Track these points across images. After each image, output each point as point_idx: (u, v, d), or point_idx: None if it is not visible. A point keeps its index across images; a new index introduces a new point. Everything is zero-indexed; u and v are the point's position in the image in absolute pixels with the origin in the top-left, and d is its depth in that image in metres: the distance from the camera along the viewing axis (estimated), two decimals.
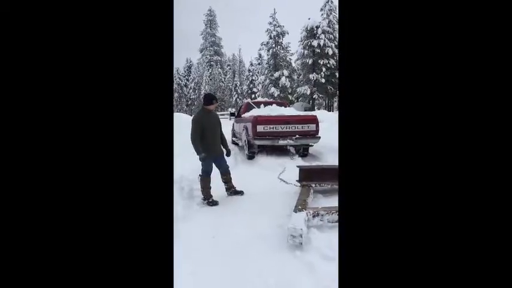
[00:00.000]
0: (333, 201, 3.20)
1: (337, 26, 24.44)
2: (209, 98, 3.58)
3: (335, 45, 23.06)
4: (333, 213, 2.59)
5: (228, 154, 3.76)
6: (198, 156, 3.44)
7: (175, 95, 36.86)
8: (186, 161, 4.12)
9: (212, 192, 3.53)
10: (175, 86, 37.23)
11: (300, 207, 2.67)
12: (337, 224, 2.56)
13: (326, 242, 2.25)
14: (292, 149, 6.23)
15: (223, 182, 3.76)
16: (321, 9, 24.99)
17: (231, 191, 3.77)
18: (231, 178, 3.77)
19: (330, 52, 22.59)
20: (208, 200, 3.48)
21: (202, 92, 35.73)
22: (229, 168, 3.80)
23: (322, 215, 2.58)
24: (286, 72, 25.24)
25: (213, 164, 3.61)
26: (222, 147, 3.69)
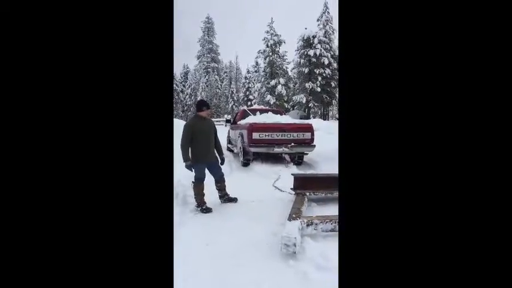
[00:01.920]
0: (327, 210, 3.20)
1: (333, 36, 24.83)
2: (200, 105, 3.58)
3: (331, 55, 23.37)
4: (327, 222, 2.58)
5: (222, 162, 3.74)
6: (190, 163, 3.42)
7: None
8: (181, 167, 4.09)
9: (206, 198, 3.50)
10: None
11: (294, 215, 2.66)
12: (331, 233, 2.56)
13: (320, 252, 2.23)
14: (287, 157, 6.23)
15: (217, 189, 3.73)
16: (318, 20, 25.39)
17: (225, 198, 3.74)
18: (225, 186, 3.75)
19: (326, 62, 22.86)
20: (202, 207, 3.44)
21: (199, 98, 35.76)
22: (224, 176, 3.78)
23: (316, 224, 2.57)
24: (282, 81, 25.42)
25: (207, 171, 3.59)
26: (215, 153, 3.66)
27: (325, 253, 2.19)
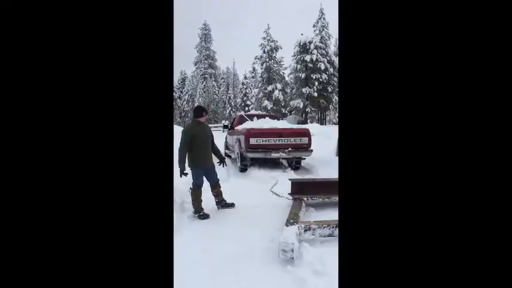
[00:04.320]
0: (325, 215, 3.20)
1: (329, 42, 25.05)
2: (199, 110, 3.61)
3: (327, 61, 23.52)
4: (324, 227, 2.58)
5: (223, 164, 3.74)
6: (188, 168, 3.42)
7: None
8: (178, 173, 4.07)
9: (203, 205, 3.49)
10: None
11: (291, 220, 2.66)
12: (329, 238, 2.55)
13: (317, 257, 2.23)
14: (284, 162, 6.23)
15: (214, 195, 3.72)
16: (314, 26, 25.66)
17: (222, 204, 3.73)
18: (221, 191, 3.74)
19: (322, 67, 23.00)
20: (199, 213, 3.43)
21: (196, 104, 35.77)
22: (221, 181, 3.77)
23: (313, 229, 2.57)
24: (279, 86, 25.52)
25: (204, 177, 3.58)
26: (212, 159, 3.66)
27: (323, 258, 2.18)
